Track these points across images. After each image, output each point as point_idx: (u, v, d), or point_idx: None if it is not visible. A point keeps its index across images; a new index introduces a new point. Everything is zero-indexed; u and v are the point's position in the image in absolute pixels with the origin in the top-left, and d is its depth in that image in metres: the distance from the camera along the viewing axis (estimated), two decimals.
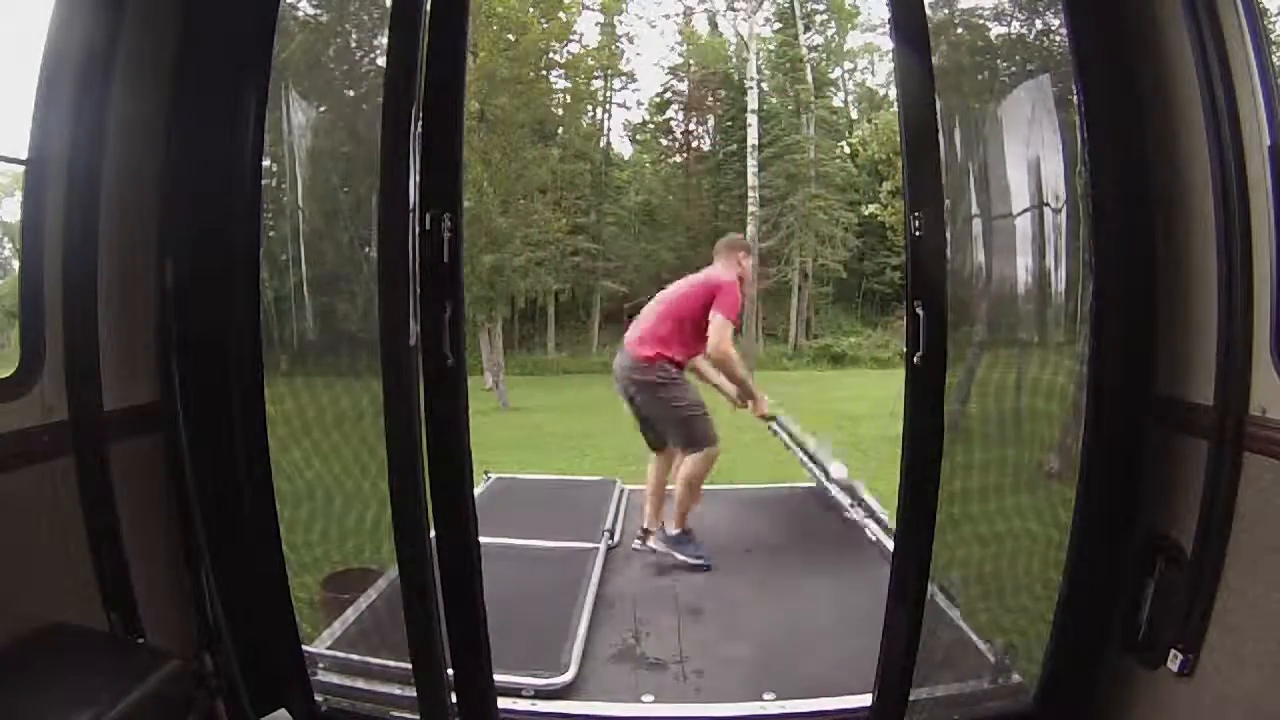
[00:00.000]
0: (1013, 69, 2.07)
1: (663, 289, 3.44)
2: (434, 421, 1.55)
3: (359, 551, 2.09)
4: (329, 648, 2.04)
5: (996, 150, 2.00)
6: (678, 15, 21.23)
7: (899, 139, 1.62)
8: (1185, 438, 1.61)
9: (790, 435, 4.07)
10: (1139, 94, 1.65)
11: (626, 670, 2.23)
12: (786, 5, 20.88)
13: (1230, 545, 1.49)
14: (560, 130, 19.67)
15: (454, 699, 1.68)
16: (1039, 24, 2.01)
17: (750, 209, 18.72)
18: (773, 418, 3.80)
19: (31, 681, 1.29)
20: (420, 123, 1.49)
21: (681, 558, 3.08)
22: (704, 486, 3.30)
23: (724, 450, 3.26)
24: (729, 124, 20.75)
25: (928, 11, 1.60)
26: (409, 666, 1.65)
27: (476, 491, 1.72)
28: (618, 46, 20.60)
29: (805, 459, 4.08)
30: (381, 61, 1.64)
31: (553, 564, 3.05)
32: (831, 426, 7.99)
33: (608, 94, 21.49)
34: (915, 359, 1.59)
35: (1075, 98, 1.69)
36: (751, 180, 18.82)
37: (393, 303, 1.51)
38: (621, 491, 4.03)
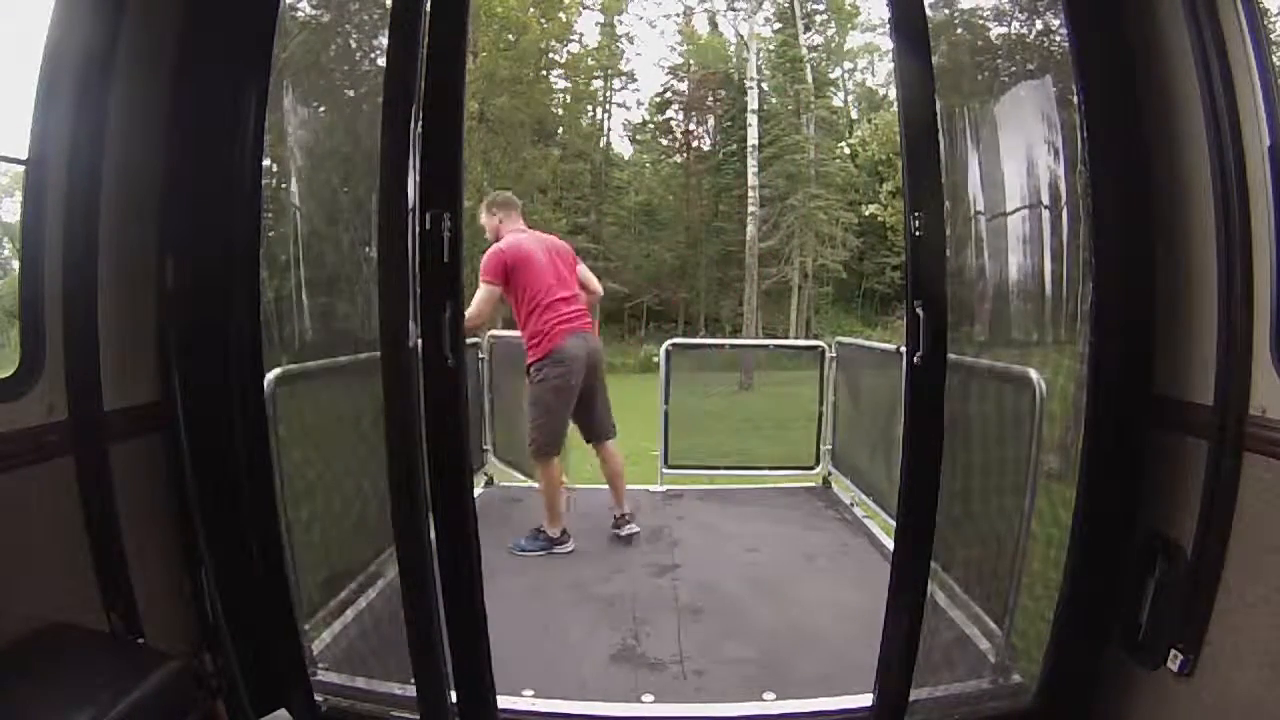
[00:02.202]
0: (1013, 69, 2.07)
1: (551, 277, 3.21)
2: (434, 422, 1.55)
3: (359, 552, 2.09)
4: (329, 648, 2.04)
5: (997, 150, 2.00)
6: (678, 15, 21.25)
7: (899, 139, 1.62)
8: (1185, 438, 1.61)
9: None
10: (1139, 94, 1.65)
11: (626, 670, 2.23)
12: (786, 5, 20.84)
13: (1230, 545, 1.49)
14: (560, 130, 19.68)
15: (454, 698, 1.68)
16: (1039, 24, 2.01)
17: (750, 209, 18.67)
18: None
19: (31, 681, 1.29)
20: (420, 123, 1.49)
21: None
22: (708, 486, 3.32)
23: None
24: (729, 124, 20.70)
25: (928, 11, 1.60)
26: (409, 666, 1.65)
27: (476, 492, 1.72)
28: (618, 46, 20.62)
29: None
30: (381, 61, 1.64)
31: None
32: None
33: (608, 94, 21.50)
34: (915, 359, 1.59)
35: (1075, 98, 1.69)
36: (751, 180, 18.78)
37: (393, 303, 1.51)
38: None
